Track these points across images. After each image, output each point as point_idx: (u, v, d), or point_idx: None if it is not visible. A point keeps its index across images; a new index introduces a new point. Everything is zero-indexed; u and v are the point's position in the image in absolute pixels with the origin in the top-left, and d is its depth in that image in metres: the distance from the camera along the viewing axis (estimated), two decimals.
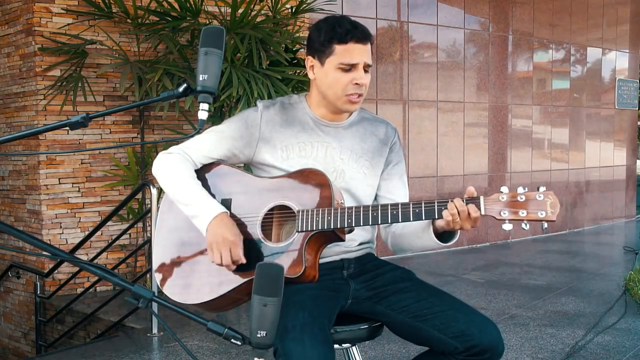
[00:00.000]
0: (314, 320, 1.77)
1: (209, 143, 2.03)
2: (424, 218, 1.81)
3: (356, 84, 1.96)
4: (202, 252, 1.96)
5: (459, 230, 1.87)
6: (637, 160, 11.22)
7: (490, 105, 7.85)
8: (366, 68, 1.99)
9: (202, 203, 1.93)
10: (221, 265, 1.87)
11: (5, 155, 5.47)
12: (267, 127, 2.02)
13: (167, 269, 1.99)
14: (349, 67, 1.95)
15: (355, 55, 1.95)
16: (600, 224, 9.55)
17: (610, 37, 9.64)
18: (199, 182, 1.99)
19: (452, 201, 1.77)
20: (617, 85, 9.81)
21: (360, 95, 1.99)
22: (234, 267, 1.88)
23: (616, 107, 9.85)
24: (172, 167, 2.00)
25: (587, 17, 9.17)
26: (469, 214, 1.76)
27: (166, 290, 1.96)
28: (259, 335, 1.25)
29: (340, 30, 1.95)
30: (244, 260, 1.87)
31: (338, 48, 1.95)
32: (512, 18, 8.07)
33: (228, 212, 1.94)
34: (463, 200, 1.77)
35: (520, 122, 8.28)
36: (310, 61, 2.03)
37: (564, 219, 8.90)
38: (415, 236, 1.97)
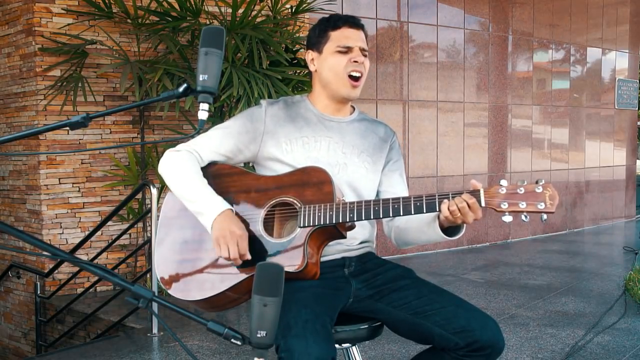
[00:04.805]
0: (316, 317, 1.78)
1: (215, 139, 2.07)
2: (425, 211, 1.82)
3: (355, 61, 2.05)
4: (203, 250, 1.97)
5: (464, 224, 1.88)
6: (637, 160, 11.22)
7: (490, 105, 7.85)
8: (363, 52, 2.07)
9: (207, 200, 1.95)
10: (228, 259, 1.87)
11: (5, 155, 5.47)
12: (271, 121, 2.06)
13: (168, 267, 2.00)
14: (346, 49, 2.05)
15: (350, 38, 2.06)
16: (600, 224, 9.55)
17: (610, 37, 9.64)
18: (205, 180, 2.01)
19: (452, 198, 1.79)
20: (617, 85, 9.82)
21: (359, 78, 2.06)
22: (240, 261, 1.88)
23: (616, 107, 9.85)
24: (178, 164, 2.02)
25: (587, 17, 9.18)
26: (469, 207, 1.77)
27: (168, 287, 1.97)
28: (259, 335, 1.25)
29: (333, 19, 2.10)
30: (249, 256, 1.88)
31: (333, 34, 2.07)
32: (512, 18, 8.07)
33: (233, 208, 1.95)
34: (465, 193, 1.79)
35: (520, 122, 8.28)
36: (310, 55, 2.12)
37: (564, 219, 8.90)
38: (420, 231, 1.99)
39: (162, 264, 2.02)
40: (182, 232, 2.03)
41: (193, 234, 2.00)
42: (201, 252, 1.97)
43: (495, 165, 7.95)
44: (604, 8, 9.42)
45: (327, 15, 2.15)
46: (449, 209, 1.78)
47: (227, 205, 1.94)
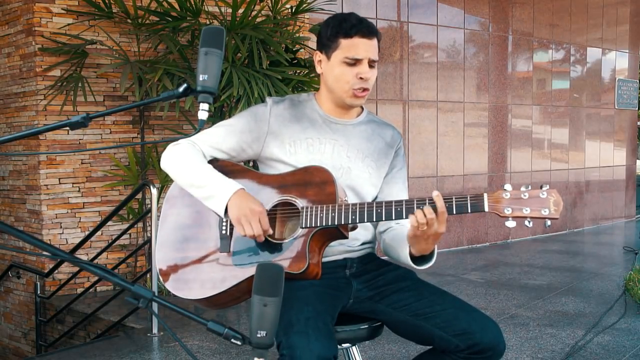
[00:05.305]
0: (318, 315, 1.78)
1: (218, 136, 2.05)
2: None
3: (361, 78, 1.99)
4: (205, 248, 1.97)
5: (435, 255, 1.91)
6: (637, 160, 11.22)
7: (490, 105, 7.85)
8: (371, 63, 2.01)
9: (218, 182, 1.93)
10: (253, 237, 1.87)
11: (5, 155, 5.47)
12: (275, 122, 2.03)
13: (169, 265, 2.00)
14: (354, 62, 1.99)
15: (360, 50, 1.98)
16: (600, 224, 9.55)
17: (610, 37, 9.64)
18: (210, 165, 2.00)
19: (414, 213, 1.78)
20: (617, 85, 9.81)
21: (365, 90, 2.02)
22: (263, 238, 1.88)
23: (616, 107, 9.85)
24: (182, 153, 2.01)
25: (587, 17, 9.17)
26: (426, 221, 1.77)
27: (169, 285, 1.97)
28: (259, 335, 1.25)
29: (346, 25, 1.99)
30: (270, 231, 1.88)
31: (343, 42, 1.99)
32: (512, 18, 8.07)
33: (244, 188, 1.94)
34: (424, 204, 1.78)
35: (520, 122, 8.28)
36: (318, 56, 2.07)
37: (564, 219, 8.89)
38: (397, 252, 1.99)
39: (163, 262, 2.02)
40: (182, 230, 2.02)
41: (193, 231, 2.00)
42: (202, 250, 1.97)
43: (495, 165, 7.95)
44: (604, 8, 9.42)
45: (344, 14, 2.08)
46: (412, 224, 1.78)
47: (239, 185, 1.93)
